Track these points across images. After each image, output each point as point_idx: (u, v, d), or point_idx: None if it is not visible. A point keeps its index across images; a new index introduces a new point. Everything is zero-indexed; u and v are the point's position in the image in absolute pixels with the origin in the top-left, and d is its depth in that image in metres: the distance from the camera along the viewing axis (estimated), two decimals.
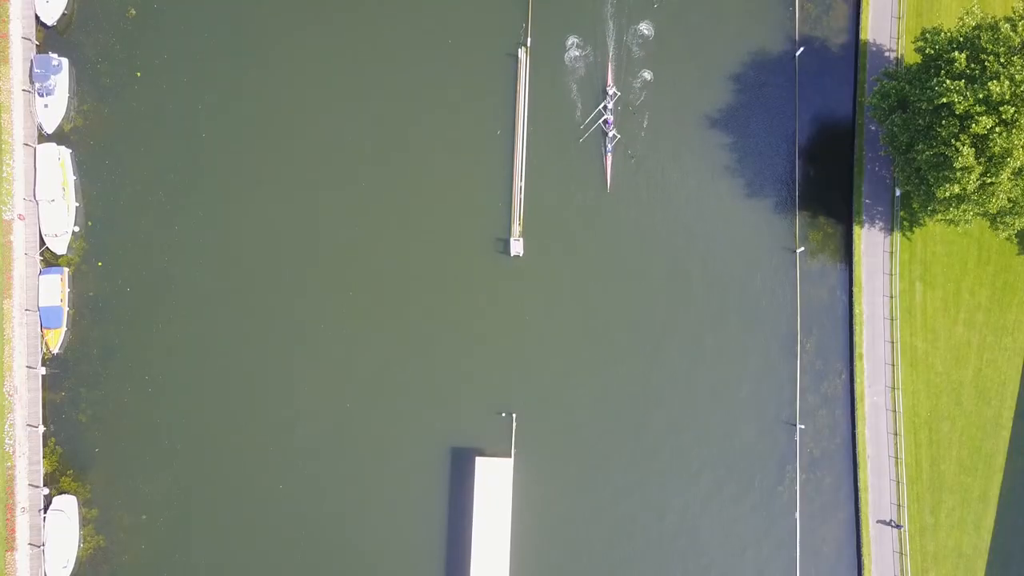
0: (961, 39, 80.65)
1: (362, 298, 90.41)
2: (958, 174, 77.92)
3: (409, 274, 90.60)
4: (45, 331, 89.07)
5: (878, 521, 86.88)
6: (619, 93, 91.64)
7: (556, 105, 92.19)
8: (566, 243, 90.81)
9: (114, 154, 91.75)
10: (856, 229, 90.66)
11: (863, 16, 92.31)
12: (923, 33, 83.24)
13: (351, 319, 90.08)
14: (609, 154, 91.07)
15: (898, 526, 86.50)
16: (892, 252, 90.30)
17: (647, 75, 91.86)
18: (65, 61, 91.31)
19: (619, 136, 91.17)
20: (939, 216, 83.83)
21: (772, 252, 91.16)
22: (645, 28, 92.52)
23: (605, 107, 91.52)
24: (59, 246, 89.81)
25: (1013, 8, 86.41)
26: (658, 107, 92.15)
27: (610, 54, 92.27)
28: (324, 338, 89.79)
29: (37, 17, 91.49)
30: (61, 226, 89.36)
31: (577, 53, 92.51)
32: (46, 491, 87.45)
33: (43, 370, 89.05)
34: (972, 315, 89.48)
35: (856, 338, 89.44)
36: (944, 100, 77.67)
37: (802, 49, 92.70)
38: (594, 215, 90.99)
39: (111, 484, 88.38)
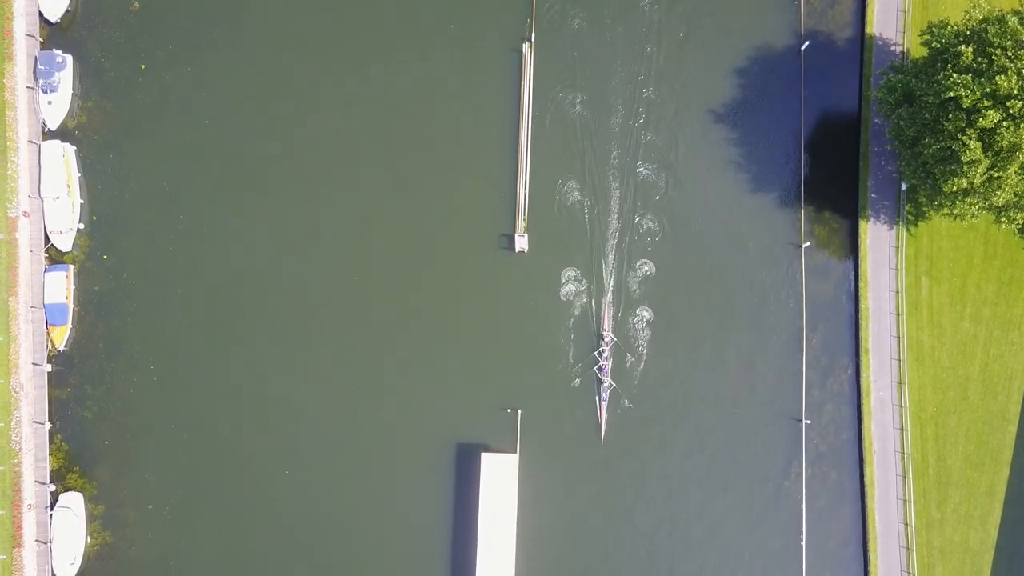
0: (968, 32, 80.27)
1: (367, 293, 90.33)
2: (965, 168, 77.57)
3: (413, 269, 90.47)
4: (51, 328, 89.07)
5: None
6: (616, 339, 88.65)
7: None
8: (567, 241, 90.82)
9: (118, 149, 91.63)
10: (862, 224, 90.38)
11: (869, 10, 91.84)
12: (929, 27, 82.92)
13: (356, 315, 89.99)
14: (604, 403, 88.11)
15: None
16: (898, 247, 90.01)
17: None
18: (69, 57, 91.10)
19: (614, 384, 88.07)
20: (945, 210, 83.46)
21: (777, 247, 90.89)
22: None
23: (600, 354, 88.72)
24: (64, 243, 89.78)
25: (1021, 1, 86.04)
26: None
27: (608, 294, 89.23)
28: (329, 334, 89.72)
29: (40, 14, 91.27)
30: (66, 223, 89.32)
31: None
32: (52, 488, 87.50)
33: (49, 367, 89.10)
34: (978, 310, 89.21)
35: (862, 333, 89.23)
36: (951, 94, 77.33)
37: (807, 43, 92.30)
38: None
39: (117, 480, 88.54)
